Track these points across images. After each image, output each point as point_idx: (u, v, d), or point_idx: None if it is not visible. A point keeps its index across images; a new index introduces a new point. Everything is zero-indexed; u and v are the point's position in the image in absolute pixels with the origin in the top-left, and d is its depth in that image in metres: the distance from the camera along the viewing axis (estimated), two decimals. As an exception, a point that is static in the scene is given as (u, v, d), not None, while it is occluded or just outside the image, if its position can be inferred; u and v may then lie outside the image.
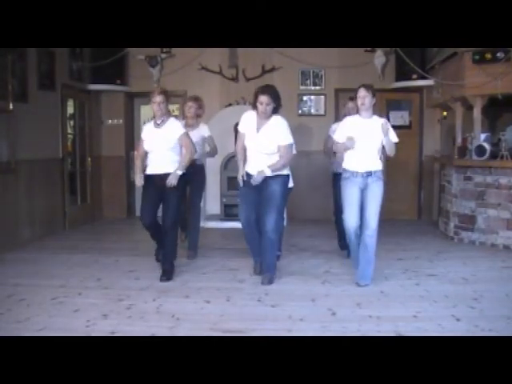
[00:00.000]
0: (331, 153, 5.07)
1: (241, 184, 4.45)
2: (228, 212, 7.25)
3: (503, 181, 5.61)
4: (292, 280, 4.50)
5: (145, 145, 4.59)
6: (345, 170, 4.35)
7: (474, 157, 5.79)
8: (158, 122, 4.53)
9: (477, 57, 5.72)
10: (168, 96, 4.60)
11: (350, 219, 4.28)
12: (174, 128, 4.54)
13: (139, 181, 4.55)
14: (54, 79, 6.71)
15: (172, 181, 4.41)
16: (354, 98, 4.55)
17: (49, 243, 6.13)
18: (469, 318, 3.48)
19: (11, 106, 5.69)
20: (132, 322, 3.46)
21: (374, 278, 4.44)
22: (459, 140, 6.40)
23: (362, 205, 4.30)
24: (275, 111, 4.29)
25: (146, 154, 4.62)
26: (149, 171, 4.58)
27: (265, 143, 4.25)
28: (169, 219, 4.49)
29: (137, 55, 7.74)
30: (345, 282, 4.42)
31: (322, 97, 7.87)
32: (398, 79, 7.50)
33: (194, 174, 5.00)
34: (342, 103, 6.25)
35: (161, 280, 4.43)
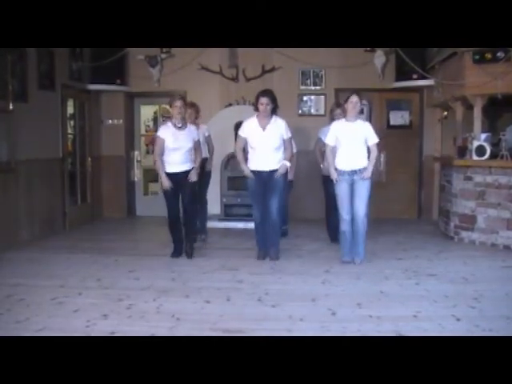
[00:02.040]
0: (320, 155, 5.79)
1: (250, 176, 5.11)
2: (228, 212, 7.24)
3: (503, 181, 5.60)
4: (292, 280, 4.50)
5: (168, 144, 5.09)
6: (337, 169, 5.00)
7: (474, 157, 5.78)
8: (180, 125, 5.14)
9: (477, 56, 5.71)
10: (186, 102, 5.43)
11: (344, 213, 4.99)
12: (194, 132, 5.27)
13: (167, 184, 5.14)
14: (53, 79, 6.70)
15: (194, 177, 5.22)
16: (340, 105, 5.38)
17: (49, 243, 6.13)
18: (469, 318, 3.48)
19: (11, 106, 5.68)
20: (132, 322, 3.46)
21: (373, 278, 4.50)
22: (459, 140, 6.40)
23: (352, 198, 4.94)
24: (274, 112, 5.10)
25: (163, 153, 5.16)
26: (169, 170, 5.17)
27: (273, 138, 5.06)
28: (186, 198, 5.24)
29: (137, 55, 7.73)
30: (345, 281, 4.42)
31: (322, 97, 7.87)
32: (398, 79, 7.49)
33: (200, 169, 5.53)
34: (329, 108, 6.49)
35: (187, 257, 5.29)
